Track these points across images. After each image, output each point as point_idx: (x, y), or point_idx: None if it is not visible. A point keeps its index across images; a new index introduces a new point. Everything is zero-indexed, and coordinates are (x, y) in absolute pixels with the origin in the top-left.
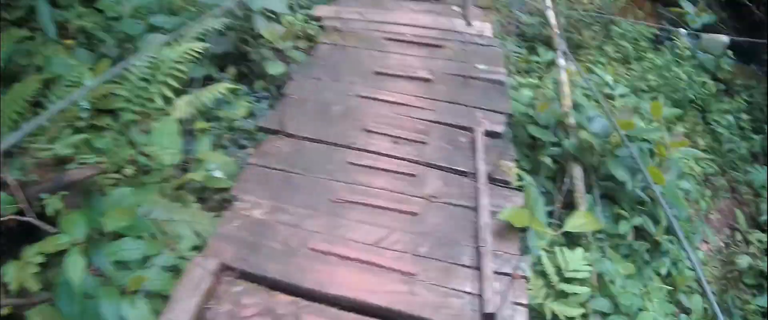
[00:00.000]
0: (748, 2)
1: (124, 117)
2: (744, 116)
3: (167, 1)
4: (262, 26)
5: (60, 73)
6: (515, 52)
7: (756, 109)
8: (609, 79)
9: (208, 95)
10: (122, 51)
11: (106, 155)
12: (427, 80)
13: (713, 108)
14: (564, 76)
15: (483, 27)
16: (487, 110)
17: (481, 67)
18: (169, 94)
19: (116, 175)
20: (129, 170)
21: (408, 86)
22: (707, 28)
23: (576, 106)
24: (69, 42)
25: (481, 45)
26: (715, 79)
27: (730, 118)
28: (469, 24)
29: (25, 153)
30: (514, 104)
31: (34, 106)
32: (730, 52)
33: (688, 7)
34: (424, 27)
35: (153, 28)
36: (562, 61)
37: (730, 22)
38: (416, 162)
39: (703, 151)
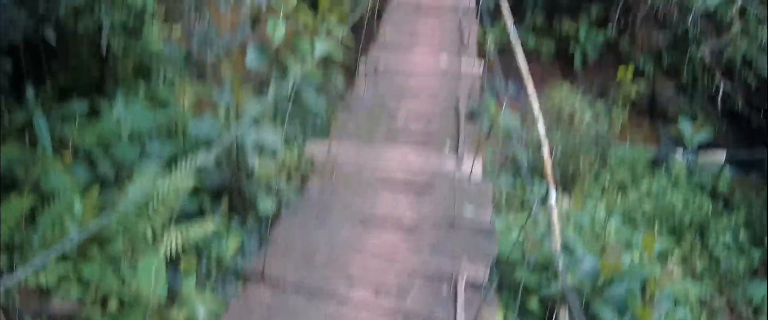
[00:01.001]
0: (747, 111)
1: (113, 248)
2: (743, 231)
3: (164, 129)
4: (256, 162)
5: (55, 190)
6: (508, 188)
7: (756, 221)
8: (602, 214)
9: (198, 230)
10: (117, 173)
11: (91, 286)
12: (413, 229)
13: (711, 228)
14: (555, 215)
15: (474, 166)
16: (473, 257)
17: (469, 210)
18: (159, 227)
19: (100, 309)
20: (113, 304)
21: (393, 236)
22: (706, 144)
23: (566, 247)
24: (67, 157)
25: (471, 185)
26: (714, 195)
27: (729, 235)
28: (460, 164)
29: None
30: (502, 248)
31: (29, 220)
32: (728, 167)
33: (686, 125)
34: (414, 168)
35: (148, 155)
36: (553, 198)
37: (730, 133)
38: (396, 313)
39: (701, 273)
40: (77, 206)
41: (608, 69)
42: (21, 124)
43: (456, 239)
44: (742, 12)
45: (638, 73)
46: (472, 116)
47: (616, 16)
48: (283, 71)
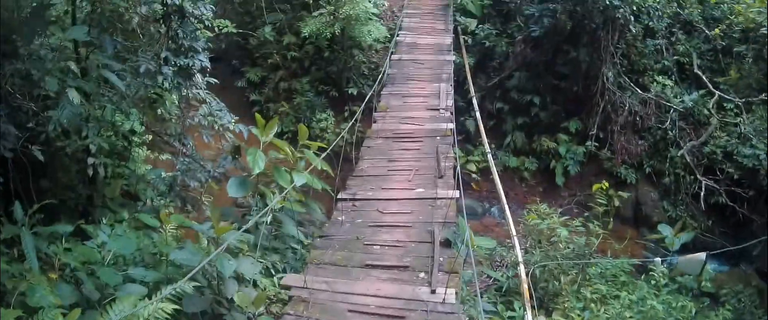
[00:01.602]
0: (731, 203)
1: None
2: None
3: (147, 255)
4: (234, 291)
5: (40, 307)
6: (484, 313)
7: (746, 313)
8: None
9: None
10: (102, 295)
11: None
12: None
13: None
14: None
15: (447, 293)
16: None
17: None
18: None
19: None
20: None
21: None
22: (689, 246)
23: None
24: (53, 275)
25: (444, 313)
26: (699, 295)
27: None
28: (433, 291)
29: None
30: None
31: None
32: (713, 264)
33: (666, 230)
34: (388, 297)
35: (131, 279)
36: None
37: (716, 228)
38: None
39: None
40: None
41: (590, 180)
42: (9, 237)
43: None
44: (720, 106)
45: (620, 182)
46: (447, 243)
47: (595, 129)
48: (263, 201)
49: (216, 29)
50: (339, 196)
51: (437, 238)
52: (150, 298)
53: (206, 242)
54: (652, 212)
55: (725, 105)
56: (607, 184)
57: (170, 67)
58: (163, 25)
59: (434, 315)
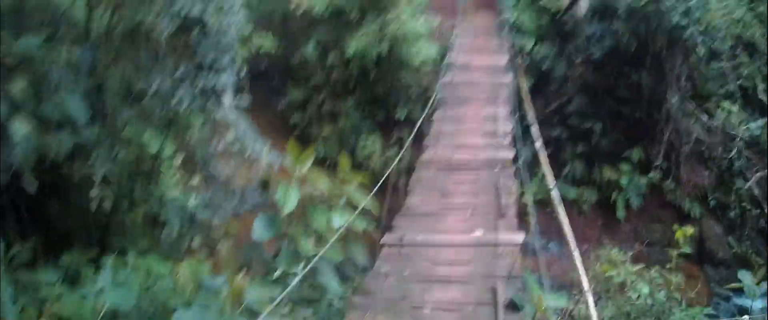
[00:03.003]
0: None
1: None
2: None
3: (149, 307)
4: None
5: None
6: None
7: None
8: None
9: None
10: None
11: None
12: None
13: None
14: None
15: None
16: None
17: None
18: None
19: None
20: None
21: None
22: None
23: None
24: None
25: None
26: None
27: None
28: None
29: None
30: None
31: None
32: None
33: (746, 278)
34: None
35: None
36: None
37: None
38: None
39: None
40: None
41: (652, 213)
42: None
43: None
44: None
45: (683, 215)
46: (512, 305)
47: (660, 157)
48: (294, 246)
49: (251, 47)
50: (384, 239)
51: (501, 301)
52: None
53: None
54: (716, 248)
55: None
56: (692, 230)
57: (190, 87)
58: (181, 39)
59: None
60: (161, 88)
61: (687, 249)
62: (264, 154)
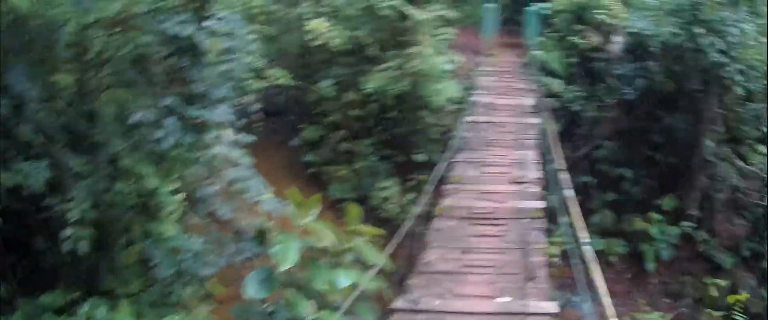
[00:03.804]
0: None
1: None
2: None
3: None
4: None
5: None
6: None
7: None
8: None
9: None
10: None
11: None
12: None
13: None
14: None
15: None
16: None
17: None
18: None
19: None
20: None
21: None
22: None
23: None
24: None
25: None
26: None
27: None
28: None
29: None
30: None
31: None
32: None
33: None
34: None
35: None
36: None
37: None
38: None
39: None
40: None
41: (683, 265)
42: None
43: None
44: None
45: (715, 267)
46: None
47: (694, 206)
48: (292, 310)
49: (266, 80)
50: (396, 304)
51: None
52: None
53: None
54: (749, 302)
55: None
56: (747, 295)
57: (179, 119)
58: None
59: None
60: (145, 118)
61: (740, 317)
62: (266, 198)
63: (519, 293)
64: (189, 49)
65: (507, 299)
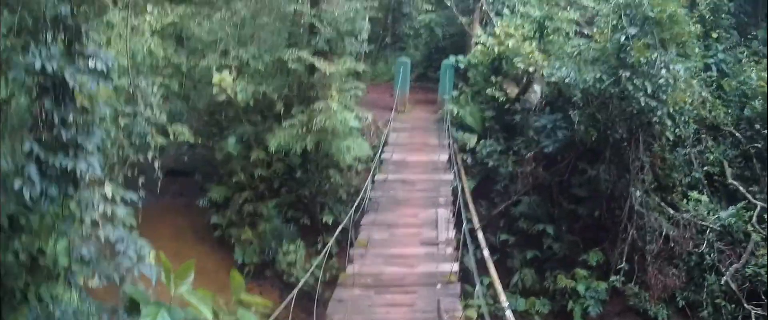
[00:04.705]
0: None
1: None
2: None
3: None
4: None
5: None
6: None
7: None
8: None
9: None
10: None
11: None
12: None
13: None
14: None
15: None
16: None
17: None
18: None
19: None
20: None
21: None
22: None
23: None
24: None
25: None
26: None
27: None
28: None
29: None
30: None
31: None
32: None
33: None
34: None
35: None
36: None
37: None
38: None
39: None
40: None
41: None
42: None
43: None
44: (760, 219)
45: None
46: None
47: (623, 260)
48: None
49: (172, 135)
50: None
51: None
52: None
53: None
54: None
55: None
56: None
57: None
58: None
59: None
60: (5, 165)
61: None
62: (146, 263)
63: None
64: (57, 87)
65: None
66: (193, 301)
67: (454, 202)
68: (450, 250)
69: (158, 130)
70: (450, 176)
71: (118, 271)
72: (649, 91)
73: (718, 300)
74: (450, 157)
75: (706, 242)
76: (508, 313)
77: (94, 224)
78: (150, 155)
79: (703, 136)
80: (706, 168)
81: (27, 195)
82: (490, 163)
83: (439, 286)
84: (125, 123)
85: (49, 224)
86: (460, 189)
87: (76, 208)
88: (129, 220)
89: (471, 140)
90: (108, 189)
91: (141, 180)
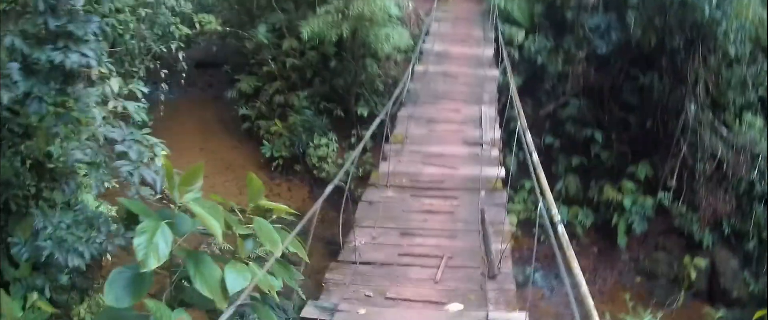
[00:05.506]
0: None
1: None
2: None
3: None
4: None
5: None
6: None
7: None
8: None
9: None
10: None
11: None
12: None
13: None
14: None
15: None
16: None
17: None
18: None
19: None
20: None
21: None
22: None
23: None
24: None
25: None
26: None
27: None
28: None
29: None
30: None
31: None
32: None
33: None
34: None
35: None
36: None
37: None
38: None
39: None
40: None
41: (657, 241)
42: None
43: None
44: None
45: (694, 245)
46: None
47: (672, 176)
48: None
49: (198, 25)
50: (306, 312)
51: None
52: None
53: None
54: (730, 285)
55: None
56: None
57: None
58: None
59: None
60: None
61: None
62: (151, 167)
63: (474, 297)
64: None
65: (459, 307)
66: (200, 212)
67: (499, 100)
68: (495, 153)
69: (183, 20)
70: (495, 72)
71: (117, 175)
72: (715, 1)
73: (763, 234)
74: (496, 52)
75: (756, 169)
76: (561, 228)
77: (106, 121)
78: (173, 46)
79: (759, 57)
80: (760, 92)
81: (5, 99)
82: (539, 61)
83: (483, 193)
84: (147, 12)
85: (49, 125)
86: (505, 86)
87: (74, 106)
88: (140, 116)
89: (518, 35)
90: (114, 83)
91: (163, 73)
